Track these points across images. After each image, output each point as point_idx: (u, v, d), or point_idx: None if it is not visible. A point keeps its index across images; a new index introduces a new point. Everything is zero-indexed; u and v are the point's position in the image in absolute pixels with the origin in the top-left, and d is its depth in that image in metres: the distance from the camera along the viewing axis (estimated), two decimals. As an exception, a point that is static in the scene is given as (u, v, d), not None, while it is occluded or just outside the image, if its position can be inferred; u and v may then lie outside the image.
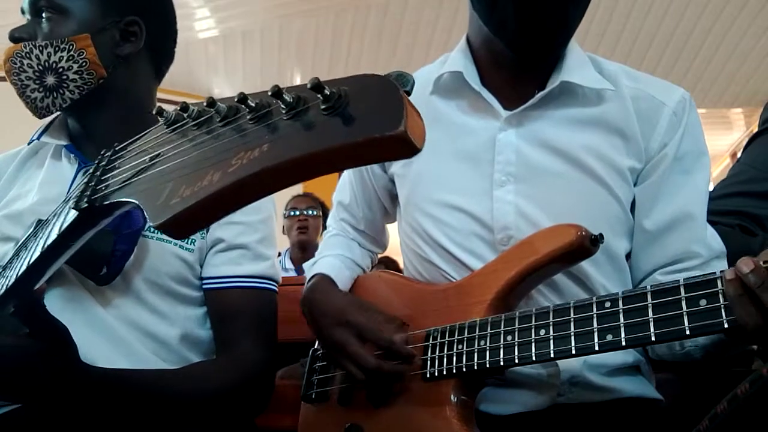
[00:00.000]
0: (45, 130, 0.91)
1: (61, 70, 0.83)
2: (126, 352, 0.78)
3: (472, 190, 0.84)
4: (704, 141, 0.85)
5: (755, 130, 1.12)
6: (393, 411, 0.79)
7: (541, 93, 0.82)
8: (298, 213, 2.96)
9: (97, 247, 0.76)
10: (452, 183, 0.86)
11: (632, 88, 0.84)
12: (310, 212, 2.96)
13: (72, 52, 0.84)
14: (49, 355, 0.62)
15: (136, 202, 0.38)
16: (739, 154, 1.15)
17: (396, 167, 0.94)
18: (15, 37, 0.85)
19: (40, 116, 0.87)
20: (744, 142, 1.15)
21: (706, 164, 0.85)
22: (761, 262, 0.57)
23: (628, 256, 0.86)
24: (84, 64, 0.84)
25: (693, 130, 0.83)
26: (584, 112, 0.83)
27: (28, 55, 0.83)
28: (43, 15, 0.85)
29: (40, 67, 0.83)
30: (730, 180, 1.06)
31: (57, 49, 0.83)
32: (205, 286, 0.87)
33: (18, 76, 0.83)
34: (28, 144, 0.94)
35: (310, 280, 0.93)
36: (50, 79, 0.83)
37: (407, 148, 0.31)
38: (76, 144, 0.91)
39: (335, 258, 0.97)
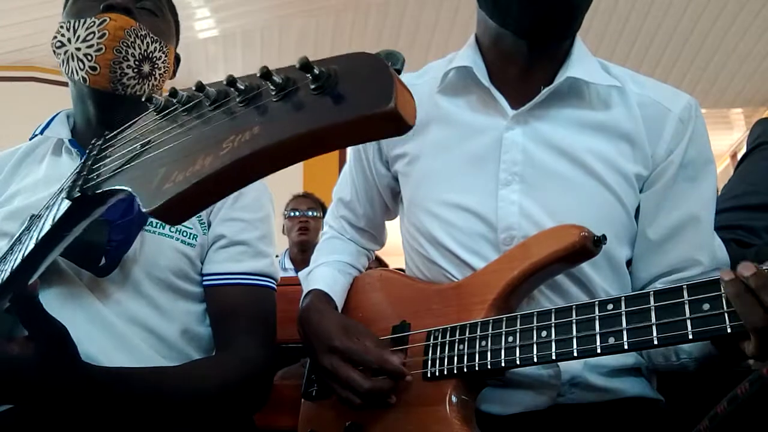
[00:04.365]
0: (47, 126, 0.92)
1: (156, 65, 0.90)
2: (126, 348, 0.78)
3: (477, 190, 0.84)
4: (710, 148, 0.84)
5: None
6: (393, 410, 0.78)
7: (548, 88, 0.82)
8: (299, 214, 2.96)
9: (93, 239, 0.76)
10: (457, 182, 0.86)
11: (638, 94, 0.84)
12: (311, 213, 2.97)
13: (165, 57, 0.92)
14: (48, 358, 0.62)
15: (129, 189, 0.38)
16: (739, 155, 1.17)
17: (400, 165, 0.93)
18: (126, 8, 0.86)
19: (113, 89, 0.86)
20: (744, 142, 1.16)
21: (712, 172, 0.84)
22: (763, 267, 0.56)
23: (629, 263, 0.86)
24: (167, 70, 0.93)
25: (699, 137, 0.83)
26: (592, 115, 0.83)
27: (143, 38, 0.87)
28: (145, 5, 0.90)
29: (146, 53, 0.87)
30: (723, 197, 1.08)
31: (157, 48, 0.89)
32: (205, 283, 0.87)
33: (126, 48, 0.85)
34: (30, 139, 0.94)
35: (305, 296, 0.93)
36: (146, 67, 0.88)
37: (399, 124, 0.31)
38: (77, 139, 0.91)
39: (330, 266, 0.97)
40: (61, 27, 0.87)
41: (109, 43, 0.84)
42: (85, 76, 0.85)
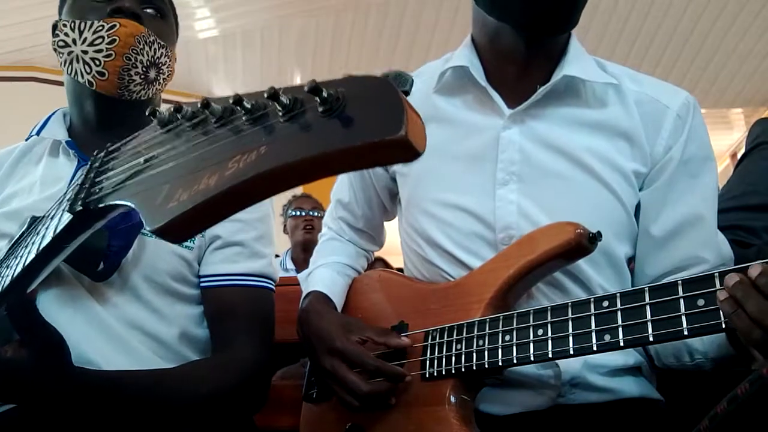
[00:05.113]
0: (43, 126, 0.91)
1: (161, 70, 0.90)
2: (124, 351, 0.78)
3: (475, 189, 0.84)
4: (710, 145, 0.84)
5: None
6: (393, 411, 0.79)
7: (544, 87, 0.82)
8: (304, 213, 2.97)
9: (92, 244, 0.76)
10: (454, 182, 0.86)
11: (636, 91, 0.84)
12: (315, 213, 2.98)
13: (170, 61, 0.92)
14: (41, 363, 0.62)
15: (132, 205, 0.38)
16: (739, 155, 1.17)
17: (398, 166, 0.94)
18: (135, 13, 0.85)
19: (119, 95, 0.87)
20: (744, 142, 1.16)
21: (712, 168, 0.84)
22: (746, 275, 0.56)
23: (629, 261, 0.85)
24: (170, 74, 0.93)
25: (698, 133, 0.83)
26: (589, 113, 0.83)
27: (150, 44, 0.87)
28: (149, 10, 0.90)
29: (152, 60, 0.87)
30: (723, 197, 1.08)
31: (163, 54, 0.90)
32: (201, 284, 0.87)
33: (136, 55, 0.85)
34: (26, 140, 0.93)
35: (305, 298, 0.93)
36: (152, 73, 0.88)
37: (408, 152, 0.30)
38: (74, 138, 0.91)
39: (329, 267, 0.97)
40: (64, 26, 0.86)
41: (119, 50, 0.83)
42: (92, 80, 0.85)
